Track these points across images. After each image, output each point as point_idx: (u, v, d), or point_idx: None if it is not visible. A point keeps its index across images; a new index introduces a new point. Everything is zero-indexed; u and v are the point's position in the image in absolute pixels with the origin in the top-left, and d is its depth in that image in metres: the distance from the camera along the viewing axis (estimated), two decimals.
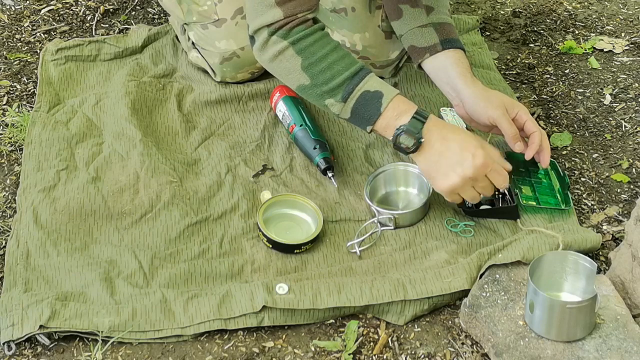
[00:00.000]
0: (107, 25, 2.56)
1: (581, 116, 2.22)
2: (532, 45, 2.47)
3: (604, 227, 1.93)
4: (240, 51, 2.21)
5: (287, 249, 1.87)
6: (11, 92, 2.35)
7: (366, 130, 1.84)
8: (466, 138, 1.81)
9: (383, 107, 1.81)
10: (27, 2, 2.66)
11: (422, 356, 1.70)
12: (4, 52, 2.48)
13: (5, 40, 2.53)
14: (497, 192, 1.89)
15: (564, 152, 2.12)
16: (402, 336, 1.74)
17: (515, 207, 1.90)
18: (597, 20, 2.55)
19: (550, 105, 2.26)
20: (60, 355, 1.71)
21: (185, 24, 2.28)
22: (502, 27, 2.54)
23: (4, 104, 2.30)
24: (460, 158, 1.79)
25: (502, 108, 1.91)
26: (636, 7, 2.60)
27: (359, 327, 1.74)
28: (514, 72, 2.38)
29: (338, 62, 1.82)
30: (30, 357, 1.71)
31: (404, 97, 1.84)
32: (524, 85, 2.33)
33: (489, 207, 1.91)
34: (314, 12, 1.85)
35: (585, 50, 2.42)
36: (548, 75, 2.35)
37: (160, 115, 2.22)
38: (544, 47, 2.46)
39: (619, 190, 2.02)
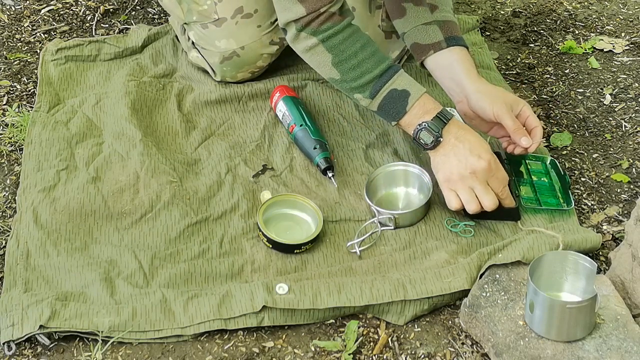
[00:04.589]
0: (107, 25, 2.56)
1: (581, 116, 2.22)
2: (532, 45, 2.47)
3: (604, 227, 1.93)
4: (240, 50, 2.21)
5: (287, 249, 1.87)
6: (11, 92, 2.35)
7: (391, 124, 1.91)
8: (480, 142, 1.86)
9: (409, 105, 1.87)
10: (27, 2, 2.66)
11: (422, 356, 1.70)
12: (4, 52, 2.48)
13: (5, 40, 2.53)
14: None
15: (564, 152, 2.12)
16: (402, 336, 1.74)
17: (516, 208, 1.90)
18: (597, 20, 2.55)
19: (550, 105, 2.26)
20: (60, 355, 1.71)
21: (185, 23, 2.28)
22: (502, 27, 2.54)
23: (4, 104, 2.30)
24: (466, 156, 1.83)
25: (507, 104, 1.94)
26: (636, 7, 2.60)
27: (359, 327, 1.74)
28: (514, 72, 2.38)
29: (367, 59, 1.88)
30: (30, 357, 1.71)
31: (431, 97, 1.89)
32: (524, 85, 2.33)
33: None
34: (336, 4, 1.88)
35: (585, 50, 2.42)
36: (548, 75, 2.35)
37: (160, 115, 2.22)
38: (544, 47, 2.46)
39: (619, 190, 2.02)
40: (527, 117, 1.95)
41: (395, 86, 1.88)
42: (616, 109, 2.24)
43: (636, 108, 2.24)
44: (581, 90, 2.30)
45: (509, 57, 2.43)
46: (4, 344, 1.71)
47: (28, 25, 2.58)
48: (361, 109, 2.19)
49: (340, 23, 1.88)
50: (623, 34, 2.49)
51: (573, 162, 2.09)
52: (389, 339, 1.73)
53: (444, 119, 1.86)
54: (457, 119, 2.05)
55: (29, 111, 2.25)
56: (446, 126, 1.85)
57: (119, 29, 2.54)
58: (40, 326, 1.71)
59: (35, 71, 2.40)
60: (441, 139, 1.85)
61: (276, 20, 2.02)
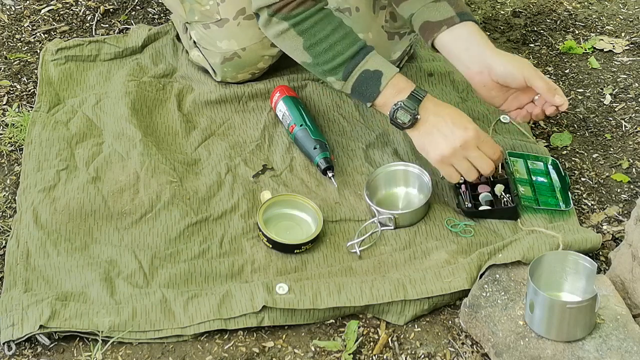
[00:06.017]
0: (107, 25, 2.56)
1: (581, 116, 2.22)
2: (532, 45, 2.47)
3: (604, 227, 1.93)
4: (241, 51, 2.21)
5: (287, 249, 1.87)
6: (11, 92, 2.35)
7: (366, 105, 1.91)
8: (460, 114, 1.88)
9: (382, 85, 1.88)
10: (27, 2, 2.66)
11: (422, 356, 1.70)
12: (4, 52, 2.48)
13: (5, 40, 2.53)
14: (501, 193, 1.91)
15: (564, 152, 2.12)
16: (402, 336, 1.74)
17: (514, 208, 1.90)
18: (597, 20, 2.55)
19: None
20: (60, 355, 1.72)
21: (187, 22, 2.28)
22: (502, 27, 2.54)
23: (4, 104, 2.30)
24: (452, 129, 1.84)
25: (533, 68, 1.93)
26: (636, 7, 2.60)
27: (359, 327, 1.74)
28: None
29: (339, 42, 1.89)
30: (30, 357, 1.71)
31: (404, 76, 1.90)
32: None
33: (489, 208, 1.91)
34: None
35: (585, 50, 2.42)
36: (548, 75, 2.35)
37: (160, 115, 2.22)
38: (544, 47, 2.46)
39: (619, 190, 2.02)
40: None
41: (368, 67, 1.88)
42: (616, 109, 2.24)
43: (636, 108, 2.24)
44: (581, 90, 2.30)
45: None
46: (4, 344, 1.71)
47: (28, 25, 2.58)
48: (361, 109, 2.19)
49: (312, 8, 1.89)
50: (623, 34, 2.49)
51: (573, 162, 2.09)
52: (389, 339, 1.73)
53: (418, 96, 1.86)
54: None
55: (29, 111, 2.25)
56: (422, 103, 1.86)
57: (119, 29, 2.54)
58: (40, 326, 1.71)
59: (35, 71, 2.40)
60: (418, 117, 1.85)
61: None
